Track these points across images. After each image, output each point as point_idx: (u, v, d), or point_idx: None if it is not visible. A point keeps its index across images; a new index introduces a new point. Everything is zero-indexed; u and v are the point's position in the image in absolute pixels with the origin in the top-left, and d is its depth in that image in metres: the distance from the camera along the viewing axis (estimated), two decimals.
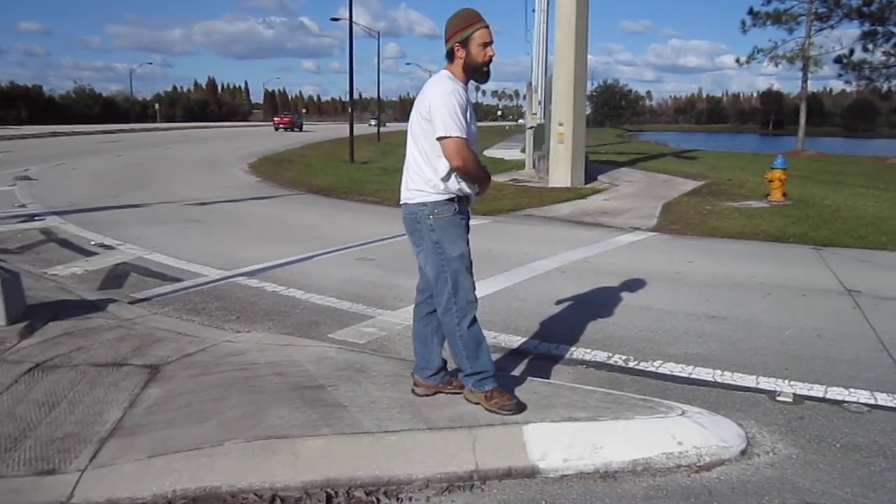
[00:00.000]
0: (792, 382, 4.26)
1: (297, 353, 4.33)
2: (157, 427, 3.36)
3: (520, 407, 3.35)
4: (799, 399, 4.02)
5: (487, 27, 3.29)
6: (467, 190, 3.36)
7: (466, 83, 3.35)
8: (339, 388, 3.70)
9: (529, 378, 3.98)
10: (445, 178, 3.26)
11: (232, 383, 3.85)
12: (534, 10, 21.25)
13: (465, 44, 3.26)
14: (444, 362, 3.61)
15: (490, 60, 3.30)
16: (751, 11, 38.87)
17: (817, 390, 4.15)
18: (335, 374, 3.91)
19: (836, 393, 4.11)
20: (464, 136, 3.18)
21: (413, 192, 3.32)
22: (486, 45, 3.28)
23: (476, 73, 3.31)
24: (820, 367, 4.56)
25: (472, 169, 3.27)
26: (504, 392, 3.40)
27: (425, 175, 3.28)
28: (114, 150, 28.19)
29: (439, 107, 3.17)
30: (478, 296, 3.45)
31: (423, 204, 3.30)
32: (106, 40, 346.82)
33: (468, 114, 3.24)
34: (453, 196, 3.31)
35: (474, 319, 3.39)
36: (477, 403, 3.41)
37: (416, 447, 3.12)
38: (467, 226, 3.44)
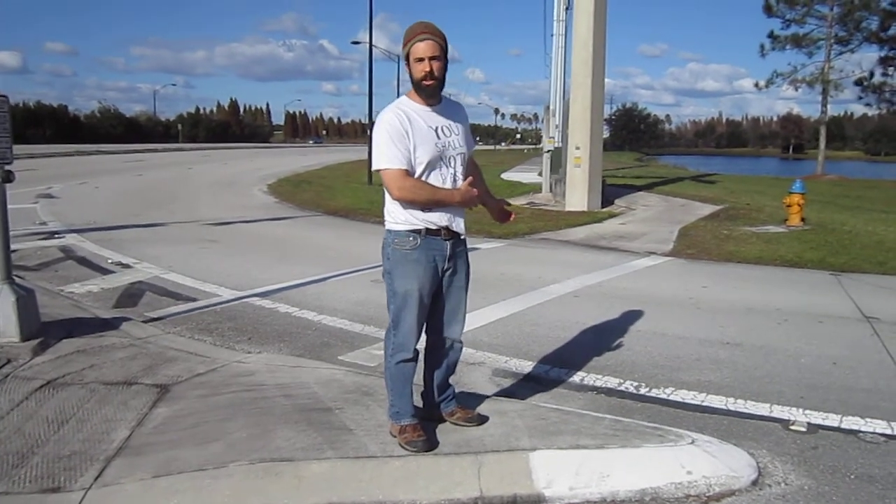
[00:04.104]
0: (806, 411, 4.19)
1: (305, 374, 4.33)
2: (164, 447, 3.37)
3: (428, 445, 3.23)
4: (813, 428, 3.94)
5: (428, 41, 3.03)
6: (439, 221, 3.18)
7: (429, 102, 3.17)
8: (346, 410, 3.69)
9: (538, 404, 3.95)
10: (403, 208, 3.15)
11: (240, 404, 3.85)
12: (552, 35, 21.44)
13: (407, 59, 3.10)
14: (444, 390, 3.58)
15: (425, 77, 3.05)
16: (771, 35, 38.84)
17: (832, 419, 4.08)
18: (342, 396, 3.90)
19: (851, 422, 4.03)
20: (397, 166, 3.04)
21: (386, 219, 3.26)
22: (421, 60, 3.04)
23: (418, 89, 3.12)
24: (836, 395, 4.47)
25: (417, 197, 3.10)
26: (418, 429, 3.28)
27: (387, 205, 3.23)
28: (136, 170, 28.60)
29: (374, 139, 3.12)
30: (419, 349, 3.34)
31: (389, 231, 3.23)
32: (130, 61, 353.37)
33: (414, 136, 3.07)
34: (418, 228, 3.16)
35: (409, 360, 3.29)
36: (392, 434, 3.35)
37: (420, 473, 3.09)
38: (438, 264, 3.22)
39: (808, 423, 4.00)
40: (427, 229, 3.17)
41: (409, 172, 3.09)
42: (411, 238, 3.17)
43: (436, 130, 3.15)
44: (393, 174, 3.07)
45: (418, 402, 3.58)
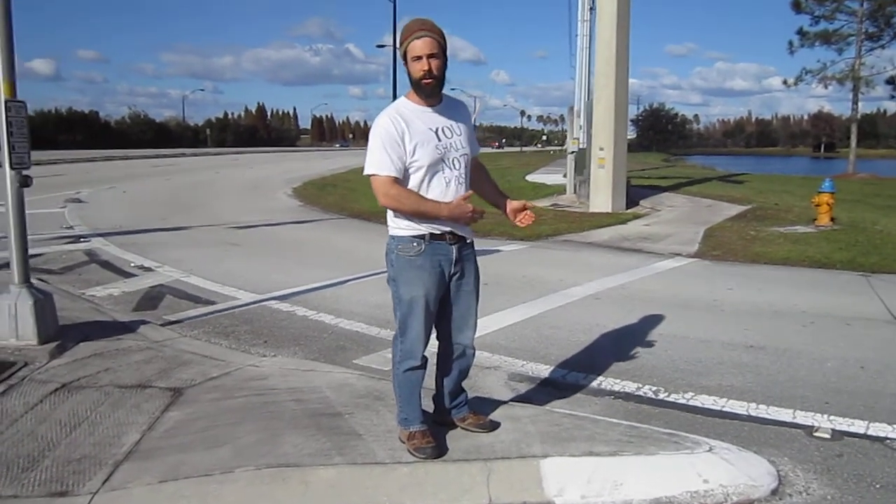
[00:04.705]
0: (831, 417, 4.06)
1: (318, 379, 4.30)
2: (173, 451, 3.35)
3: (437, 451, 3.16)
4: (838, 435, 3.81)
5: (426, 38, 2.93)
6: (443, 225, 3.09)
7: (429, 102, 3.08)
8: (357, 415, 3.65)
9: (552, 409, 3.88)
10: (397, 213, 3.10)
11: (251, 408, 3.83)
12: (577, 35, 21.28)
13: (404, 58, 3.01)
14: (456, 396, 3.50)
15: (424, 76, 2.96)
16: (799, 31, 38.12)
17: (858, 426, 3.94)
18: (353, 401, 3.86)
19: (878, 429, 3.89)
20: (386, 173, 2.97)
21: (388, 224, 3.19)
22: (419, 58, 2.94)
23: (417, 88, 3.03)
24: (862, 401, 4.33)
25: (401, 206, 3.01)
26: (427, 435, 3.21)
27: (389, 210, 3.16)
28: (164, 174, 28.92)
29: (368, 143, 3.06)
30: (427, 355, 3.26)
31: (392, 237, 3.16)
32: (160, 67, 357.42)
33: (412, 140, 2.98)
34: (422, 233, 3.08)
35: (417, 367, 3.23)
36: (401, 440, 3.29)
37: (428, 479, 3.04)
38: (444, 269, 3.14)
39: (833, 430, 3.87)
40: (431, 234, 3.09)
41: (397, 180, 3.01)
42: (415, 244, 3.09)
43: (436, 132, 3.06)
44: (380, 181, 3.01)
45: (429, 405, 3.53)
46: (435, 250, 3.11)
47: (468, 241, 3.25)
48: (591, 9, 20.28)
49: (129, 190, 20.77)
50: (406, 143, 2.99)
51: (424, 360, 3.26)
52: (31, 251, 8.98)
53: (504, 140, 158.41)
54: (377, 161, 3.00)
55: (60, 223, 12.60)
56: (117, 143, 65.28)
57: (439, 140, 3.06)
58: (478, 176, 3.39)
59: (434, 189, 3.08)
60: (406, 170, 3.04)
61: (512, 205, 3.33)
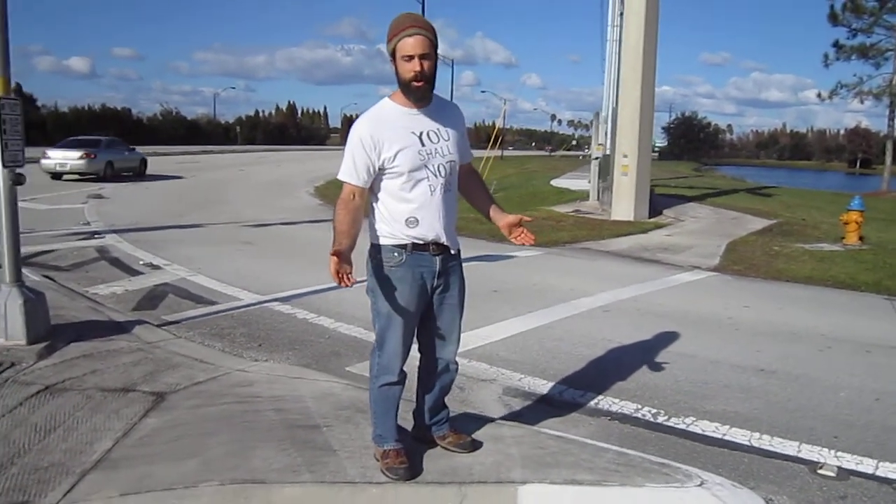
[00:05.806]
0: (838, 453, 3.82)
1: (303, 387, 4.17)
2: (142, 462, 3.25)
3: (410, 472, 3.00)
4: (843, 474, 3.58)
5: (418, 36, 2.73)
6: (427, 235, 2.92)
7: (417, 105, 2.88)
8: (335, 428, 3.51)
9: (539, 430, 3.69)
10: (378, 221, 2.97)
11: (228, 417, 3.72)
12: (607, 40, 21.01)
13: (393, 56, 2.80)
14: (437, 412, 3.33)
15: (415, 77, 2.76)
16: (836, 44, 37.28)
17: (867, 465, 3.70)
18: (334, 413, 3.73)
19: (887, 470, 3.64)
20: (346, 179, 2.87)
21: (369, 231, 3.04)
22: (410, 58, 2.74)
23: (405, 90, 2.82)
24: (873, 436, 4.08)
25: (334, 219, 2.86)
26: (401, 455, 3.05)
27: (369, 218, 3.01)
28: (190, 171, 29.14)
29: (346, 145, 2.93)
30: (406, 371, 3.11)
31: (372, 245, 3.00)
32: (194, 66, 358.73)
33: (392, 146, 2.81)
34: (404, 243, 2.91)
35: (394, 383, 3.08)
36: (376, 458, 3.13)
37: (397, 502, 2.88)
38: (427, 281, 2.96)
39: (839, 468, 3.63)
40: (413, 244, 2.93)
41: (354, 189, 2.88)
42: (396, 254, 2.93)
43: (420, 136, 2.87)
44: (345, 189, 2.91)
45: (409, 421, 3.38)
46: (417, 261, 2.95)
47: (453, 252, 3.07)
48: (622, 13, 20.01)
49: (152, 186, 20.94)
50: (383, 151, 2.83)
51: (403, 375, 3.10)
52: (44, 247, 9.18)
53: (533, 143, 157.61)
54: (345, 168, 2.90)
55: (79, 219, 12.68)
56: (149, 140, 65.51)
57: (423, 145, 2.88)
58: (469, 183, 3.22)
59: (417, 197, 2.91)
60: (382, 175, 2.90)
61: (506, 219, 3.11)
